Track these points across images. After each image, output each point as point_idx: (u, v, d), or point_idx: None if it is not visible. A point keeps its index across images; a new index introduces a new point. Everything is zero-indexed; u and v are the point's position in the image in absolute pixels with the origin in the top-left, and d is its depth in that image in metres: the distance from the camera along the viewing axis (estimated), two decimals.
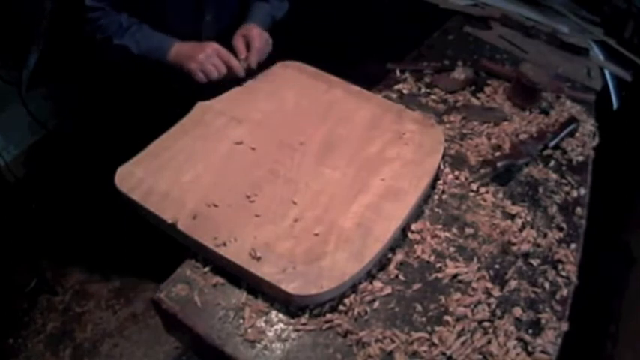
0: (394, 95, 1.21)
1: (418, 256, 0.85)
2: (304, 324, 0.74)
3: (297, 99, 1.08)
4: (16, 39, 1.57)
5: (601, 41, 1.63)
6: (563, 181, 1.05)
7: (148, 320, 1.60)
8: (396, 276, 0.82)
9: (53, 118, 1.96)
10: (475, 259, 0.86)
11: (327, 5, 2.06)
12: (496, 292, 0.81)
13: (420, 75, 1.29)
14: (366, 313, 0.77)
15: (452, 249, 0.87)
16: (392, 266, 0.83)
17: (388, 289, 0.80)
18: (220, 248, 0.77)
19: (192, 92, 1.05)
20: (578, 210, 0.99)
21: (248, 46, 1.10)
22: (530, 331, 0.77)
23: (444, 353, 0.73)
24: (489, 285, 0.82)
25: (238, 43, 1.10)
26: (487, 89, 1.27)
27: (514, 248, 0.89)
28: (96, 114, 1.99)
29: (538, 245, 0.91)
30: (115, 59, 1.17)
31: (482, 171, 1.02)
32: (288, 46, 1.19)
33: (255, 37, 1.10)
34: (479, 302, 0.79)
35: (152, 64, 1.10)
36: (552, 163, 1.10)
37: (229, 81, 1.09)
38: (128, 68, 1.22)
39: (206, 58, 1.04)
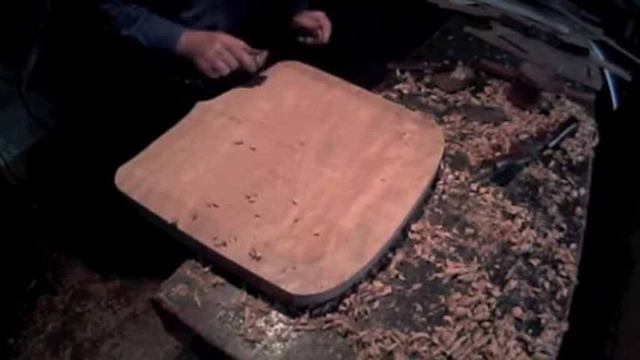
0: (394, 95, 1.21)
1: (418, 256, 0.85)
2: (304, 324, 0.74)
3: (297, 99, 1.08)
4: (16, 39, 1.57)
5: (601, 41, 1.63)
6: (563, 181, 1.05)
7: (148, 320, 1.60)
8: (396, 276, 0.82)
9: (54, 117, 1.95)
10: (475, 259, 0.86)
11: (327, 5, 2.06)
12: (496, 292, 0.81)
13: (420, 75, 1.29)
14: (366, 313, 0.77)
15: (452, 249, 0.87)
16: (392, 266, 0.83)
17: (388, 289, 0.80)
18: (220, 248, 0.77)
19: (198, 88, 1.04)
20: (578, 210, 0.99)
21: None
22: (530, 331, 0.77)
23: (444, 353, 0.73)
24: (489, 285, 0.82)
25: (307, 21, 1.21)
26: (487, 89, 1.27)
27: (514, 248, 0.89)
28: (96, 114, 1.99)
29: (538, 245, 0.91)
30: (125, 53, 1.15)
31: (483, 171, 1.02)
32: (289, 46, 1.19)
33: (322, 16, 1.21)
34: (479, 302, 0.79)
35: (162, 57, 1.07)
36: (552, 163, 1.10)
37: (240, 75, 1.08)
38: (138, 62, 1.20)
39: (216, 55, 1.02)
